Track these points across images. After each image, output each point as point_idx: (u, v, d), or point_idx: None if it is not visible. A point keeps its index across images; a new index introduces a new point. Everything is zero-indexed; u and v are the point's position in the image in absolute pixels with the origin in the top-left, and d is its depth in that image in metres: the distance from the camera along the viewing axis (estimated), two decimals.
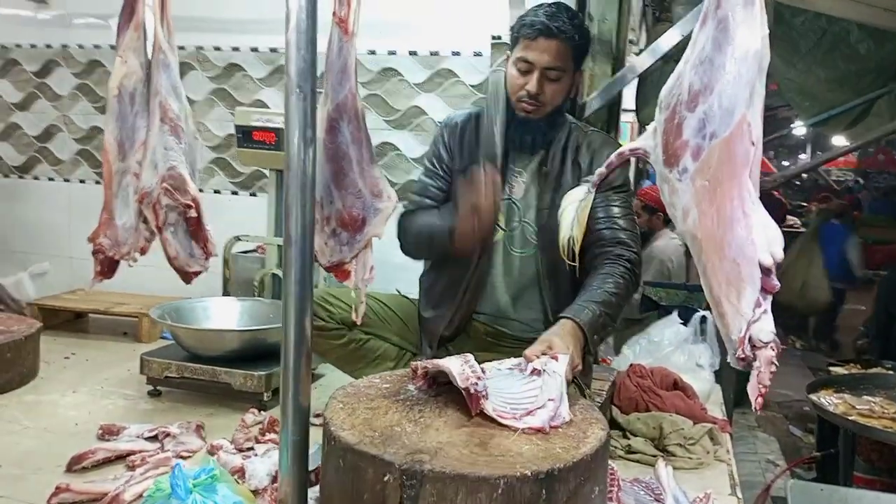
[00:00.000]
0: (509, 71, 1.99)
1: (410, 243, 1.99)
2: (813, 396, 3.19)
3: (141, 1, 1.50)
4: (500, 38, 2.68)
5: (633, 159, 2.02)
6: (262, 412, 2.27)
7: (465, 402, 1.55)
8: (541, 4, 2.00)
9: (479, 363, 2.02)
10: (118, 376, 2.70)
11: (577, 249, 1.50)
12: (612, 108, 2.89)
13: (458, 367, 1.49)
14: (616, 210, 1.98)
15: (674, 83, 1.22)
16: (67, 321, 3.37)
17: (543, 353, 1.60)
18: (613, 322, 1.89)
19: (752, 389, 1.17)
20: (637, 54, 3.36)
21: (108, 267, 1.53)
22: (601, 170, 1.38)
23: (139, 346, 3.03)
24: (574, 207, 1.38)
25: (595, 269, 1.93)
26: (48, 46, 3.62)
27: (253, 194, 3.44)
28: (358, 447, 1.35)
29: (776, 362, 1.17)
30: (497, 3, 2.61)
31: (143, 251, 1.55)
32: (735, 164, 1.16)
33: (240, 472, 1.82)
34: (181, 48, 3.36)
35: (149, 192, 1.48)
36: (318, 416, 2.16)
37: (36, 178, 3.76)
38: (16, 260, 3.69)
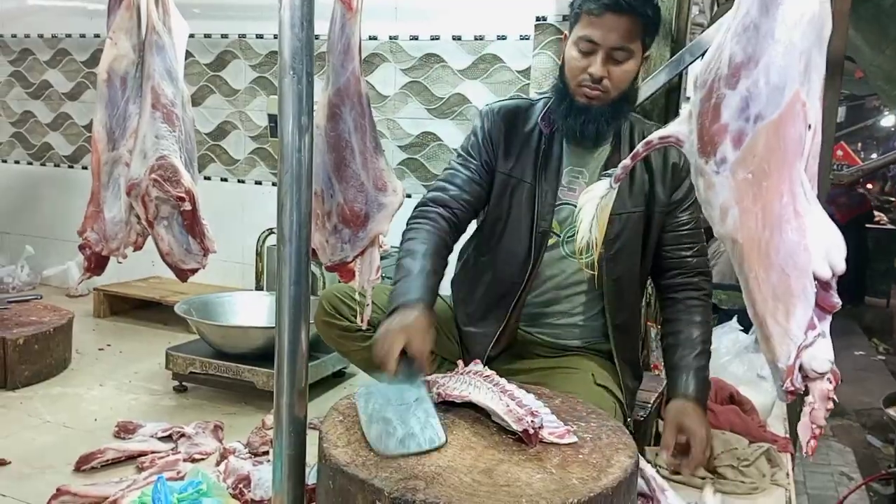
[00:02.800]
0: (568, 52, 1.74)
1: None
2: (891, 410, 2.90)
3: None
4: (545, 18, 2.49)
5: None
6: None
7: (476, 418, 1.39)
8: None
9: (521, 372, 1.88)
10: (148, 370, 2.65)
11: (595, 254, 1.31)
12: (671, 94, 2.65)
13: (502, 406, 1.33)
14: (698, 231, 1.83)
15: (712, 56, 1.02)
16: (133, 307, 3.37)
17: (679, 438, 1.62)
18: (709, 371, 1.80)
19: (804, 430, 0.98)
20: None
21: (96, 262, 1.44)
22: (626, 162, 1.19)
23: (182, 338, 2.96)
24: (593, 206, 1.20)
25: (683, 311, 1.82)
26: (96, 36, 3.61)
27: None
28: (348, 469, 1.21)
29: (834, 397, 0.97)
30: None
31: (137, 246, 1.45)
32: (786, 152, 0.96)
33: (245, 481, 1.71)
34: (224, 36, 3.34)
35: (137, 183, 1.37)
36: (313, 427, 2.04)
37: (85, 167, 3.77)
38: (65, 249, 3.72)
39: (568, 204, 1.79)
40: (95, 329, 3.12)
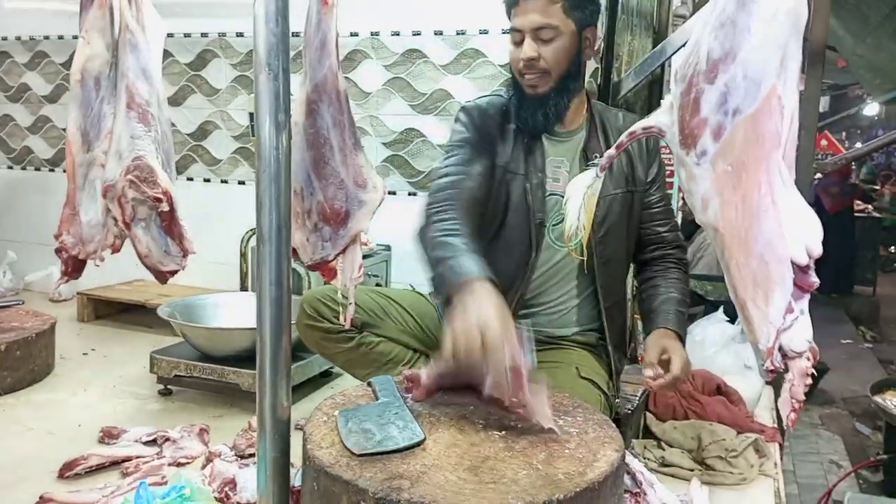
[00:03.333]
0: (508, 49, 1.77)
1: (426, 265, 1.58)
2: (878, 398, 2.91)
3: None
4: None
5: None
6: None
7: (461, 416, 1.38)
8: None
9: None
10: (133, 374, 2.63)
11: (584, 241, 1.32)
12: (653, 85, 2.65)
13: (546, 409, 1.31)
14: (670, 208, 1.93)
15: (690, 50, 1.02)
16: (118, 311, 3.33)
17: (662, 357, 1.64)
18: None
19: (784, 405, 1.00)
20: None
21: (73, 266, 1.42)
22: (611, 152, 1.18)
23: (168, 341, 2.94)
24: (581, 194, 1.20)
25: (656, 270, 1.91)
26: (75, 38, 3.57)
27: None
28: (332, 470, 1.20)
29: (814, 371, 0.99)
30: None
31: (114, 249, 1.42)
32: (763, 144, 0.97)
33: (231, 484, 1.70)
34: (203, 35, 3.31)
35: (113, 184, 1.35)
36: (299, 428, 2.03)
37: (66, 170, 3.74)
38: (48, 253, 3.67)
39: (555, 194, 1.80)
40: (79, 334, 3.09)
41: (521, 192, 1.77)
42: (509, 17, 1.77)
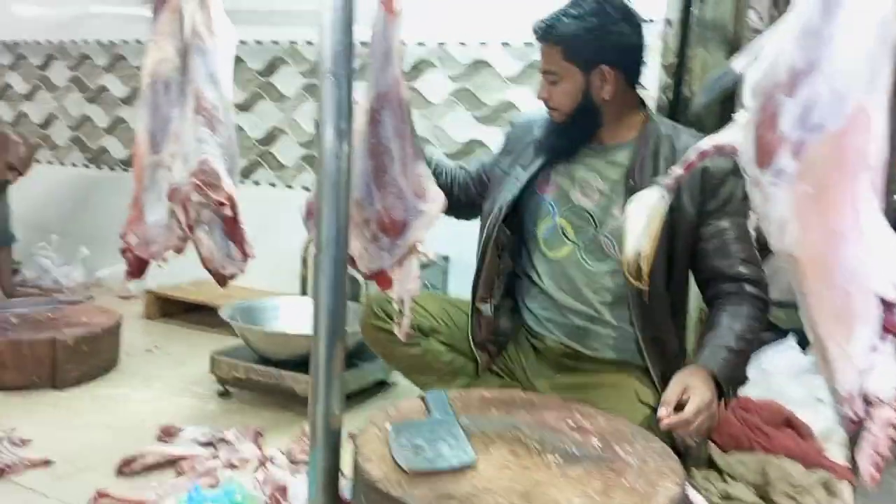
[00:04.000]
0: None
1: None
2: None
3: None
4: None
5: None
6: None
7: (515, 438, 1.35)
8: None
9: (562, 388, 1.83)
10: (194, 373, 2.67)
11: (646, 268, 1.25)
12: (726, 101, 2.55)
13: None
14: (733, 239, 1.74)
15: (770, 62, 0.96)
16: (183, 310, 3.40)
17: (683, 397, 1.50)
18: (744, 372, 1.68)
19: (865, 460, 0.91)
20: None
21: (136, 266, 1.44)
22: (677, 170, 1.13)
23: (230, 341, 2.98)
24: (644, 215, 1.14)
25: (719, 306, 1.74)
26: None
27: None
28: (380, 485, 1.18)
29: None
30: None
31: (178, 250, 1.44)
32: (849, 164, 0.90)
33: (282, 491, 1.70)
34: (275, 42, 3.36)
35: (178, 187, 1.37)
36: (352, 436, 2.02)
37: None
38: (117, 250, 3.79)
39: (579, 206, 1.82)
40: (145, 331, 3.17)
41: (519, 194, 1.86)
42: None
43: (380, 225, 1.37)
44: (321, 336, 1.32)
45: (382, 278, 1.43)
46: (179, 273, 3.47)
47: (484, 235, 1.90)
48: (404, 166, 1.34)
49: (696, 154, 1.07)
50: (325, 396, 1.34)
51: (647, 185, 1.73)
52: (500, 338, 1.98)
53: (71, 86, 3.97)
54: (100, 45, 3.84)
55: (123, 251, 1.44)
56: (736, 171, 1.76)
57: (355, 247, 1.40)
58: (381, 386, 2.62)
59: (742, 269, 1.74)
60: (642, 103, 1.87)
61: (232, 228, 1.43)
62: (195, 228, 1.39)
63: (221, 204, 1.39)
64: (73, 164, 4.03)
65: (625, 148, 1.83)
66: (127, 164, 3.87)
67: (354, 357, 2.44)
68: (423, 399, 1.56)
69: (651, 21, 2.34)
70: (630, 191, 1.77)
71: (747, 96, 0.98)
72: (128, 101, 3.81)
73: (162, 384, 2.56)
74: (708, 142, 1.05)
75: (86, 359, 2.48)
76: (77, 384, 2.45)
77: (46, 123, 4.08)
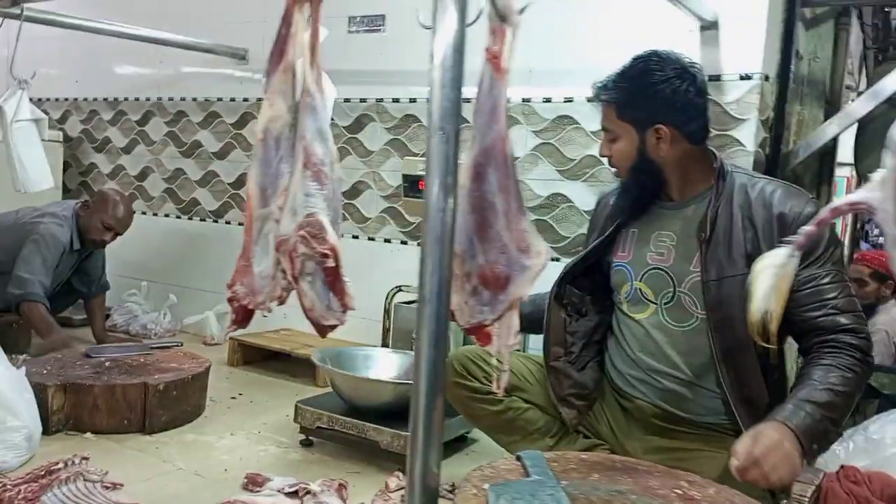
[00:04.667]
0: None
1: None
2: None
3: (291, 44, 1.45)
4: None
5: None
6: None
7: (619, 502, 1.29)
8: None
9: (655, 451, 1.77)
10: (276, 421, 2.69)
11: (773, 328, 1.20)
12: (825, 157, 2.49)
13: None
14: (827, 286, 1.66)
15: None
16: (264, 358, 3.46)
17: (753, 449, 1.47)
18: (837, 427, 1.62)
19: None
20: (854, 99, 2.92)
21: (242, 316, 1.47)
22: (808, 228, 1.09)
23: (308, 391, 3.05)
24: (771, 274, 1.10)
25: (811, 360, 1.66)
26: (245, 100, 3.85)
27: (421, 244, 3.38)
28: None
29: None
30: (684, 46, 2.35)
31: (281, 301, 1.47)
32: None
33: None
34: (362, 100, 3.46)
35: (286, 238, 1.40)
36: (451, 489, 1.99)
37: (228, 222, 3.99)
38: (205, 298, 3.90)
39: (656, 269, 1.83)
40: (229, 378, 3.22)
41: (595, 259, 1.96)
42: None
43: (481, 279, 1.36)
44: (421, 390, 1.31)
45: (481, 333, 1.41)
46: (261, 322, 3.56)
47: (549, 295, 1.96)
48: (508, 221, 1.33)
49: (829, 212, 1.03)
50: (423, 453, 1.32)
51: (720, 236, 1.72)
52: (586, 393, 1.94)
53: (167, 140, 4.16)
54: (195, 103, 4.03)
55: (230, 300, 1.47)
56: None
57: (455, 300, 1.39)
58: (461, 441, 2.58)
59: (840, 319, 1.65)
60: (714, 157, 1.85)
61: (334, 280, 1.45)
62: (300, 279, 1.41)
63: (325, 255, 1.41)
64: (166, 215, 4.20)
65: (695, 202, 1.83)
66: (217, 215, 4.01)
67: None
68: (518, 459, 1.52)
69: (748, 77, 2.33)
70: (703, 242, 1.74)
71: (887, 155, 0.94)
72: (219, 155, 3.97)
73: (245, 432, 2.58)
74: (843, 199, 1.01)
75: (175, 404, 2.53)
76: (165, 429, 2.50)
77: (142, 176, 4.28)
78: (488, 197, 1.35)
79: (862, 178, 2.45)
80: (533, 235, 1.34)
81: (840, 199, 1.02)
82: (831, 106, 2.50)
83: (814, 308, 1.67)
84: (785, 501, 1.81)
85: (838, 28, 2.52)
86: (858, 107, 2.25)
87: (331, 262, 1.43)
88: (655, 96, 1.77)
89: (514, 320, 1.40)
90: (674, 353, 1.82)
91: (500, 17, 1.36)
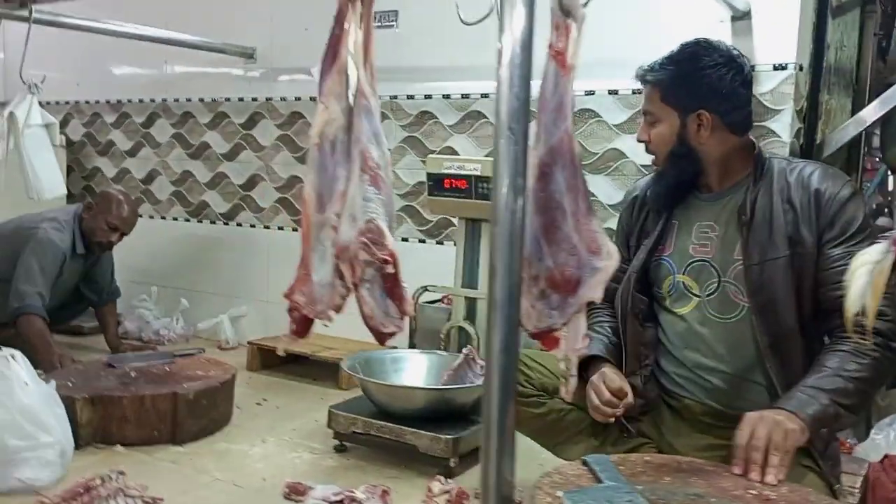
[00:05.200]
0: None
1: None
2: None
3: (344, 44, 1.41)
4: None
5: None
6: (448, 479, 2.10)
7: None
8: None
9: (706, 449, 1.75)
10: (306, 427, 2.66)
11: (869, 325, 1.18)
12: (852, 148, 2.47)
13: None
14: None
15: None
16: (283, 361, 3.41)
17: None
18: (853, 413, 1.59)
19: None
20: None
21: (302, 325, 1.43)
22: None
23: (332, 394, 3.02)
24: (867, 271, 1.08)
25: (830, 344, 1.65)
26: (254, 100, 3.79)
27: (440, 243, 3.34)
28: None
29: None
30: (715, 37, 2.32)
31: (337, 309, 1.43)
32: None
33: None
34: (427, 97, 3.38)
35: (347, 245, 1.36)
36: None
37: (239, 224, 3.93)
38: (217, 302, 3.85)
39: (701, 261, 1.80)
40: (249, 383, 3.18)
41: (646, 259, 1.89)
42: None
43: (550, 282, 1.33)
44: (494, 397, 1.27)
45: (549, 338, 1.38)
46: (277, 325, 3.51)
47: (620, 308, 1.90)
48: (577, 221, 1.30)
49: None
50: (497, 461, 1.28)
51: (760, 219, 1.70)
52: (642, 401, 1.91)
53: (173, 142, 4.10)
54: (202, 103, 3.97)
55: (290, 310, 1.43)
56: (854, 197, 1.69)
57: (522, 304, 1.36)
58: None
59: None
60: (752, 147, 1.82)
61: (393, 286, 1.41)
62: (359, 286, 1.37)
63: (385, 261, 1.37)
64: (175, 218, 4.13)
65: (734, 191, 1.80)
66: (227, 217, 3.96)
67: (472, 412, 2.40)
68: (584, 463, 1.49)
69: (783, 67, 2.31)
70: (743, 226, 1.72)
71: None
72: (229, 156, 3.91)
73: (276, 439, 2.54)
74: None
75: (205, 413, 2.49)
76: (195, 439, 2.46)
77: (149, 179, 4.22)
78: (556, 197, 1.32)
79: (889, 167, 2.42)
80: (603, 236, 1.31)
81: None
82: (858, 95, 2.48)
83: (840, 288, 1.64)
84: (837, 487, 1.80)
85: (864, 16, 2.50)
86: (893, 94, 2.23)
87: (391, 269, 1.40)
88: (701, 81, 1.75)
89: (583, 323, 1.37)
90: (720, 346, 1.79)
91: (564, 12, 1.32)
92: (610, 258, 1.31)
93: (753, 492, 1.36)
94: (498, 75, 1.22)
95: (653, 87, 1.81)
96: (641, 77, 1.84)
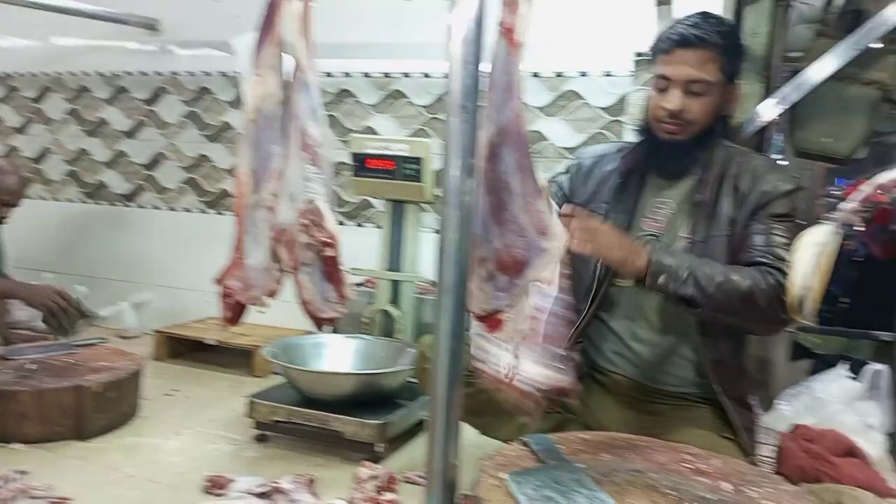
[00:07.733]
0: (649, 93, 1.83)
1: None
2: None
3: (279, 14, 1.33)
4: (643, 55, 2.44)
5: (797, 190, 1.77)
6: (375, 465, 2.06)
7: (649, 485, 1.29)
8: (684, 17, 1.78)
9: (635, 424, 1.79)
10: (223, 418, 2.54)
11: (813, 307, 1.22)
12: (763, 132, 2.57)
13: None
14: (779, 240, 1.71)
15: None
16: (191, 349, 3.25)
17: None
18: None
19: None
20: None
21: (235, 312, 1.35)
22: (851, 205, 1.11)
23: (247, 382, 2.92)
24: (813, 252, 1.12)
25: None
26: (158, 74, 3.58)
27: (360, 225, 3.27)
28: None
29: None
30: (638, 18, 2.37)
31: (272, 294, 1.36)
32: None
33: None
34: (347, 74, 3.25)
35: (285, 227, 1.29)
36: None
37: (141, 206, 3.72)
38: (118, 289, 3.63)
39: (647, 233, 1.81)
40: (157, 373, 3.01)
41: None
42: (653, 63, 1.78)
43: (498, 264, 1.31)
44: (440, 381, 1.25)
45: (493, 320, 1.36)
46: (184, 312, 3.35)
47: (594, 289, 1.85)
48: (526, 202, 1.29)
49: (871, 187, 1.05)
50: (443, 445, 1.26)
51: (709, 198, 1.75)
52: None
53: (68, 118, 3.82)
54: (101, 77, 3.71)
55: (223, 296, 1.34)
56: (794, 193, 1.75)
57: (469, 287, 1.34)
58: (419, 425, 2.53)
59: (779, 265, 1.63)
60: None
61: (332, 269, 1.36)
62: (298, 270, 1.31)
63: (327, 244, 1.31)
64: (69, 200, 3.86)
65: (694, 173, 1.83)
66: (128, 198, 3.73)
67: (396, 396, 2.36)
68: (524, 443, 1.49)
69: None
70: (695, 206, 1.76)
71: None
72: (130, 134, 3.68)
73: (191, 431, 2.42)
74: (888, 175, 1.03)
75: (112, 406, 2.33)
76: (102, 434, 2.30)
77: (40, 157, 3.92)
78: (504, 177, 1.30)
79: (796, 150, 2.54)
80: (550, 216, 1.30)
81: (886, 175, 1.04)
82: (769, 80, 2.58)
83: (757, 250, 1.70)
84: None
85: (777, 3, 2.59)
86: (807, 78, 2.32)
87: (331, 252, 1.34)
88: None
89: (527, 305, 1.37)
90: (654, 315, 1.83)
91: None
92: (557, 238, 1.30)
93: (687, 465, 1.40)
94: (450, 53, 1.19)
95: (704, 51, 1.70)
96: (699, 40, 1.69)
